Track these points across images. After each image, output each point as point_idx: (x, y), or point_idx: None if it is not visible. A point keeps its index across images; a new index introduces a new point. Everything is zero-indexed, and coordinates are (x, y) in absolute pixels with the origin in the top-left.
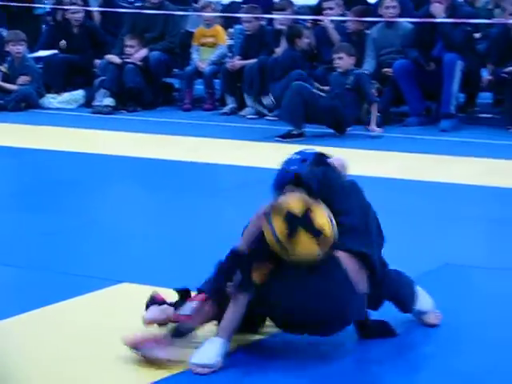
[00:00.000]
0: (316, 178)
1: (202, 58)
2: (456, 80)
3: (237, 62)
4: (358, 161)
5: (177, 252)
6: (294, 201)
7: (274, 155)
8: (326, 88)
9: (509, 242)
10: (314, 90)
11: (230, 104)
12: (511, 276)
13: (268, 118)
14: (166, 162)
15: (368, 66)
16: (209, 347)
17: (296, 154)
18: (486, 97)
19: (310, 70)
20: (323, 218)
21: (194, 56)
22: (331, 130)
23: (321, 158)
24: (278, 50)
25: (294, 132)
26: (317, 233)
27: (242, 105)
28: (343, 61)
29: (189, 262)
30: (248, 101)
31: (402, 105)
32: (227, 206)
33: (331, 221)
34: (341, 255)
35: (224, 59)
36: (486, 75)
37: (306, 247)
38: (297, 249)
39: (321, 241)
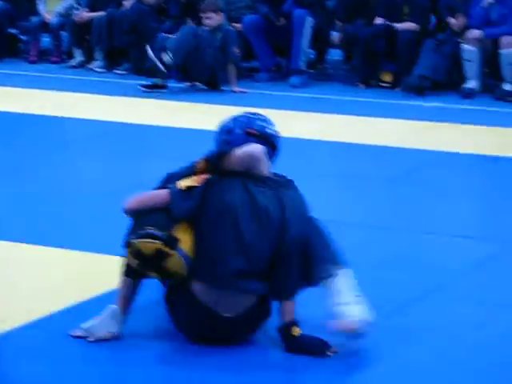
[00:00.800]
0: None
1: (49, 10)
2: (306, 36)
3: (84, 14)
4: (208, 116)
5: (27, 205)
6: (147, 243)
7: (122, 109)
8: None
9: (356, 196)
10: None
11: (78, 57)
12: (358, 230)
13: (117, 72)
14: (12, 114)
15: None
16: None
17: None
18: (335, 53)
19: (159, 24)
20: (177, 263)
21: (41, 7)
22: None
23: None
24: (126, 3)
25: (158, 83)
26: (167, 275)
27: (90, 58)
28: (211, 20)
29: (40, 215)
30: (97, 54)
31: (252, 60)
32: (77, 158)
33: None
34: None
35: (71, 11)
36: (335, 32)
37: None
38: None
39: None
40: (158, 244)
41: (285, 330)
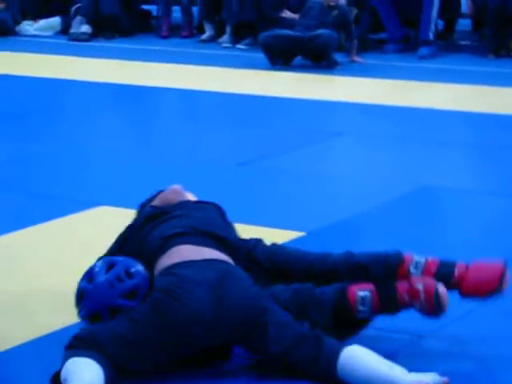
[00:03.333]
0: None
1: None
2: (435, 6)
3: None
4: (338, 87)
5: (155, 176)
6: None
7: (249, 81)
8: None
9: (484, 165)
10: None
11: (208, 32)
12: (487, 198)
13: (240, 46)
14: (143, 88)
15: None
16: None
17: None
18: (465, 24)
19: None
20: None
21: None
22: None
23: None
24: None
25: None
26: None
27: (220, 32)
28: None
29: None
30: (227, 29)
31: (380, 31)
32: (209, 130)
33: None
34: None
35: None
36: (465, 2)
37: None
38: None
39: None
40: None
41: None
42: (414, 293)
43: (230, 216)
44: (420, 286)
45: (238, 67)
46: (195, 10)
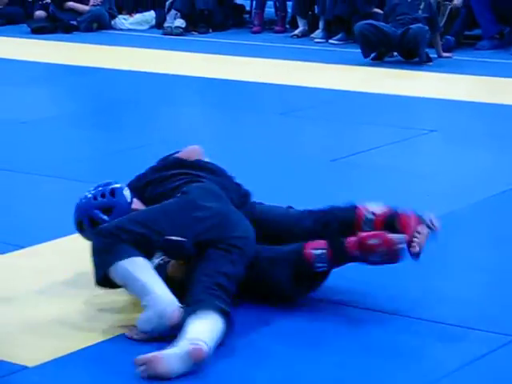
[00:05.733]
0: None
1: None
2: None
3: None
4: (431, 83)
5: (248, 171)
6: None
7: (336, 78)
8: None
9: None
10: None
11: (301, 27)
12: None
13: (333, 42)
14: (236, 82)
15: None
16: None
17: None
18: None
19: None
20: None
21: None
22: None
23: None
24: None
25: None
26: None
27: (313, 28)
28: None
29: (259, 179)
30: (320, 24)
31: (475, 28)
32: (302, 126)
33: None
34: None
35: None
36: None
37: None
38: None
39: None
40: None
41: None
42: (367, 248)
43: None
44: (375, 241)
45: (331, 62)
46: (289, 4)
